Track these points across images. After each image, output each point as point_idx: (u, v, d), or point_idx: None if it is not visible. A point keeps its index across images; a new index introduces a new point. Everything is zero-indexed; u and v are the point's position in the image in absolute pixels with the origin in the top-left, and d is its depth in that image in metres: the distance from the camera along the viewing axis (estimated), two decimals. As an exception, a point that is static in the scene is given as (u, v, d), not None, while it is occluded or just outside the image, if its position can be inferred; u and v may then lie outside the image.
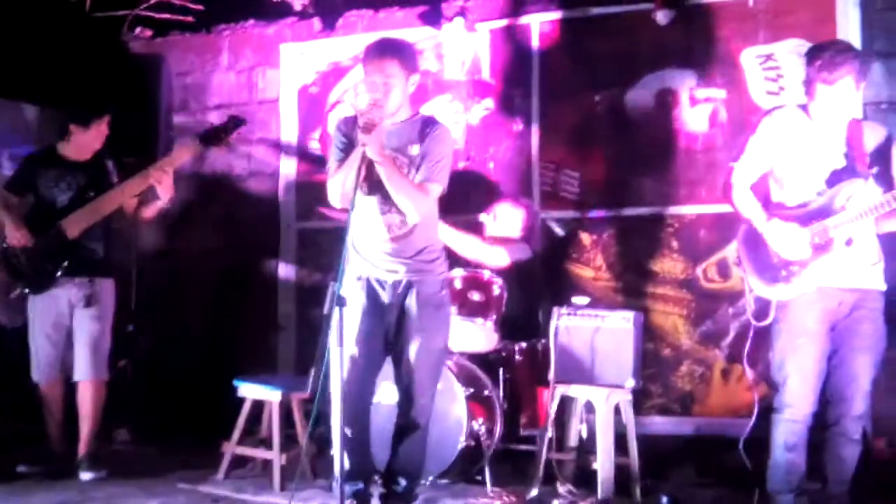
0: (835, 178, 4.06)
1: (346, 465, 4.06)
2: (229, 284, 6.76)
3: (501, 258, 5.44)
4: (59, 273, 5.20)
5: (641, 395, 5.36)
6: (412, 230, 4.16)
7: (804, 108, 4.14)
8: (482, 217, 5.73)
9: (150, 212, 5.38)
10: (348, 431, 4.07)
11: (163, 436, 6.00)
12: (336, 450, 3.84)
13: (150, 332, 6.66)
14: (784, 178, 4.17)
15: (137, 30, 7.02)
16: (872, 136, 4.10)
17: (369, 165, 3.98)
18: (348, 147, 4.11)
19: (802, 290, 4.05)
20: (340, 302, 3.74)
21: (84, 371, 5.26)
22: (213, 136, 5.29)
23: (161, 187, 5.17)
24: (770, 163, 4.19)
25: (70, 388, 5.33)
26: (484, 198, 5.99)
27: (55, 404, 5.33)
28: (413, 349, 4.17)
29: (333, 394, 3.83)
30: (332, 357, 3.74)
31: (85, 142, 5.35)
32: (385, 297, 4.19)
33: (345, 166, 4.06)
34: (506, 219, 5.69)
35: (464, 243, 5.37)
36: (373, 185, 4.08)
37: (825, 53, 4.02)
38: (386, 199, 4.09)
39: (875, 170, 4.06)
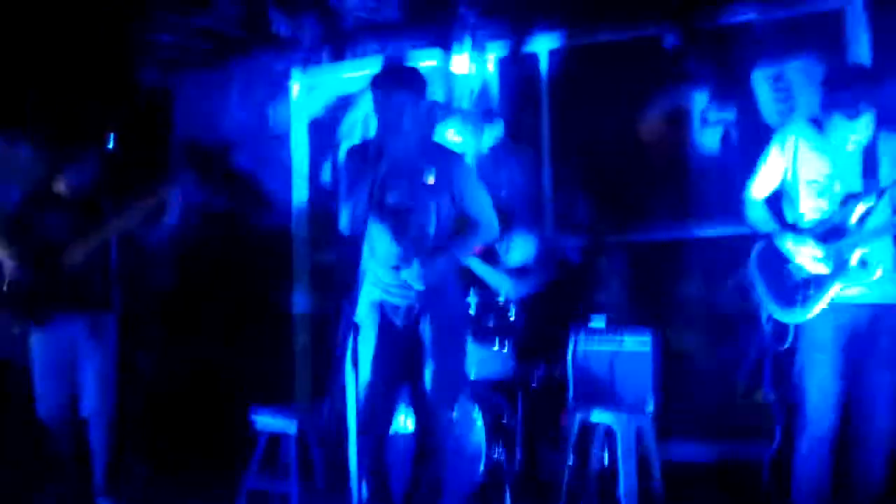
0: (849, 197, 4.04)
1: (365, 493, 4.02)
2: (244, 317, 6.74)
3: (522, 290, 5.46)
4: (59, 305, 5.20)
5: (663, 420, 5.30)
6: (427, 258, 4.14)
7: (819, 125, 4.12)
8: (496, 246, 5.72)
9: (157, 232, 5.39)
10: (365, 459, 4.03)
11: (180, 470, 5.95)
12: (354, 477, 3.79)
13: (167, 366, 6.64)
14: (796, 197, 4.14)
15: (149, 66, 7.06)
16: (890, 151, 4.07)
17: (382, 191, 3.98)
18: (359, 174, 4.10)
19: (819, 309, 4.02)
20: (354, 328, 3.73)
21: (93, 406, 5.24)
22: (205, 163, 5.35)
23: (168, 204, 5.24)
24: (782, 180, 4.17)
25: (80, 424, 5.32)
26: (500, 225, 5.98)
27: (66, 440, 5.31)
28: (429, 375, 4.13)
29: (349, 422, 3.80)
30: (347, 385, 3.71)
31: (76, 177, 5.35)
32: (399, 322, 4.17)
33: (355, 193, 4.05)
34: (519, 247, 5.68)
35: (491, 277, 5.40)
36: (385, 211, 4.07)
37: (845, 77, 4.02)
38: (399, 224, 4.08)
39: (891, 187, 4.03)
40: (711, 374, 5.61)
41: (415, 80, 4.16)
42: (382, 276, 4.18)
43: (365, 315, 4.16)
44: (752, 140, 5.59)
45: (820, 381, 4.04)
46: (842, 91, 3.99)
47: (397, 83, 4.08)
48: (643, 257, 5.86)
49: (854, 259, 3.96)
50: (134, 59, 6.83)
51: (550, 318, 5.66)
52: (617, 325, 5.37)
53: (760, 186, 4.22)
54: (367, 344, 4.11)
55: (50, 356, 5.25)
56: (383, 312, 4.18)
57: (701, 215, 5.73)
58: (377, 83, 4.12)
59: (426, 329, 4.15)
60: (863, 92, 3.94)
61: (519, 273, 5.60)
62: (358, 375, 3.94)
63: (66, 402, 5.29)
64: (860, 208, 3.98)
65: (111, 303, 5.40)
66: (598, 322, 5.11)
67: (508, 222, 6.00)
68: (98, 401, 5.24)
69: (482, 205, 4.22)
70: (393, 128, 4.02)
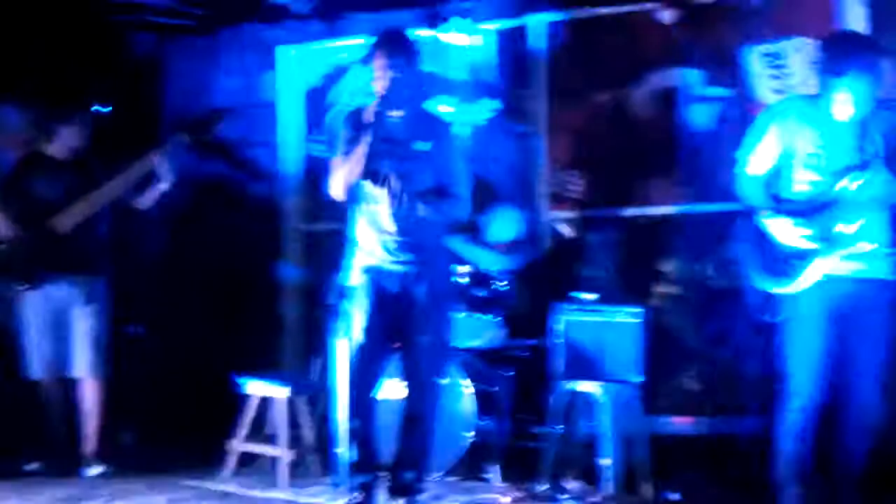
0: (844, 171, 4.06)
1: (353, 456, 4.05)
2: (234, 288, 6.73)
3: (504, 265, 5.48)
4: (51, 268, 5.21)
5: (649, 394, 5.32)
6: (419, 223, 4.15)
7: (815, 99, 4.14)
8: (481, 221, 5.73)
9: (148, 197, 5.41)
10: (353, 422, 4.06)
11: (169, 437, 5.95)
12: (342, 442, 3.81)
13: (156, 334, 6.63)
14: (789, 171, 4.16)
15: (140, 34, 7.02)
16: (883, 125, 4.08)
17: (373, 158, 4.00)
18: (354, 140, 4.12)
19: (807, 282, 4.04)
20: (346, 294, 3.76)
21: (84, 368, 5.27)
22: (199, 127, 5.36)
23: (161, 168, 5.26)
24: (775, 154, 4.18)
25: (70, 387, 5.35)
26: (488, 200, 5.98)
27: (56, 403, 5.35)
28: (419, 341, 4.17)
29: (339, 385, 3.82)
30: (337, 347, 3.72)
31: (68, 140, 5.38)
32: (392, 288, 4.19)
33: (350, 159, 4.07)
34: (504, 222, 5.70)
35: (473, 255, 5.42)
36: (377, 178, 4.09)
37: (841, 46, 4.02)
38: (392, 191, 4.10)
39: (883, 159, 4.05)
40: (698, 348, 5.65)
41: (410, 49, 4.19)
42: (375, 242, 4.19)
43: (358, 281, 4.18)
44: (744, 117, 5.61)
45: (806, 354, 4.06)
46: (831, 52, 4.01)
47: (393, 50, 4.11)
48: (634, 232, 5.87)
49: (843, 230, 3.98)
50: (126, 24, 6.79)
51: (541, 289, 5.68)
52: (606, 297, 5.40)
53: (756, 163, 4.22)
54: (359, 309, 4.14)
55: (41, 318, 5.28)
56: (376, 278, 4.19)
57: (692, 191, 5.74)
58: (373, 50, 4.14)
59: (418, 297, 4.17)
60: (851, 51, 3.96)
61: (508, 247, 5.63)
62: (350, 340, 3.98)
63: (55, 364, 5.31)
64: (853, 181, 4.00)
65: (103, 267, 5.42)
66: (586, 294, 5.12)
67: (499, 196, 6.03)
68: (88, 363, 5.27)
69: (461, 180, 4.25)
70: (386, 95, 4.04)
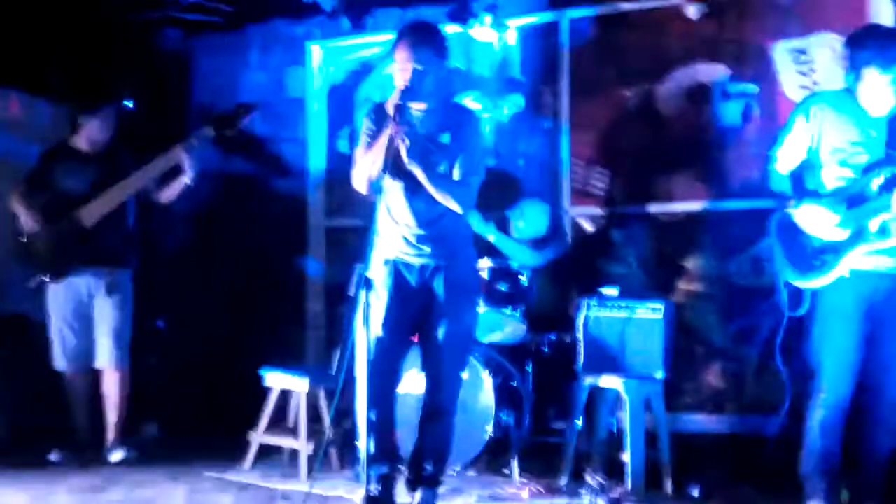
0: (872, 166, 4.01)
1: (371, 448, 4.04)
2: (258, 283, 6.76)
3: (536, 260, 5.46)
4: (76, 260, 5.25)
5: (674, 392, 5.29)
6: (440, 215, 4.14)
7: (844, 94, 4.09)
8: (509, 215, 5.72)
9: (172, 191, 5.44)
10: (372, 415, 4.04)
11: (191, 430, 5.99)
12: (362, 434, 3.80)
13: (180, 329, 6.66)
14: (819, 165, 4.12)
15: (168, 29, 7.06)
16: None
17: (396, 150, 3.98)
18: (376, 133, 4.11)
19: (837, 276, 3.99)
20: (367, 285, 3.75)
21: (107, 359, 5.32)
22: (224, 121, 5.37)
23: (185, 161, 5.30)
24: (806, 149, 4.14)
25: (95, 378, 5.40)
26: (512, 195, 5.96)
27: (80, 393, 5.41)
28: (440, 333, 4.15)
29: (358, 376, 3.80)
30: (357, 339, 3.70)
31: (95, 132, 5.42)
32: (412, 281, 4.18)
33: (372, 151, 4.06)
34: (532, 217, 5.68)
35: (505, 245, 5.40)
36: (400, 169, 4.07)
37: (878, 40, 3.98)
38: (413, 184, 4.09)
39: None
40: (722, 345, 5.60)
41: (438, 40, 4.16)
42: (395, 234, 4.19)
43: (379, 273, 4.17)
44: (770, 113, 5.58)
45: (837, 349, 4.03)
46: (859, 45, 3.97)
47: (422, 40, 4.08)
48: (658, 228, 5.84)
49: (873, 225, 3.93)
50: (154, 19, 6.84)
51: (563, 284, 5.66)
52: (629, 293, 5.37)
53: (786, 159, 4.19)
54: (380, 301, 4.12)
55: (67, 310, 5.33)
56: (397, 271, 4.18)
57: (717, 188, 5.70)
58: (402, 39, 4.12)
59: (439, 289, 4.16)
60: (880, 45, 3.92)
61: (535, 243, 5.61)
62: (370, 332, 3.97)
63: (81, 355, 5.36)
64: (881, 176, 3.95)
65: (128, 259, 5.47)
66: (610, 290, 5.10)
67: (525, 192, 6.02)
68: (111, 355, 5.31)
69: (473, 169, 4.16)
70: (408, 87, 4.02)
